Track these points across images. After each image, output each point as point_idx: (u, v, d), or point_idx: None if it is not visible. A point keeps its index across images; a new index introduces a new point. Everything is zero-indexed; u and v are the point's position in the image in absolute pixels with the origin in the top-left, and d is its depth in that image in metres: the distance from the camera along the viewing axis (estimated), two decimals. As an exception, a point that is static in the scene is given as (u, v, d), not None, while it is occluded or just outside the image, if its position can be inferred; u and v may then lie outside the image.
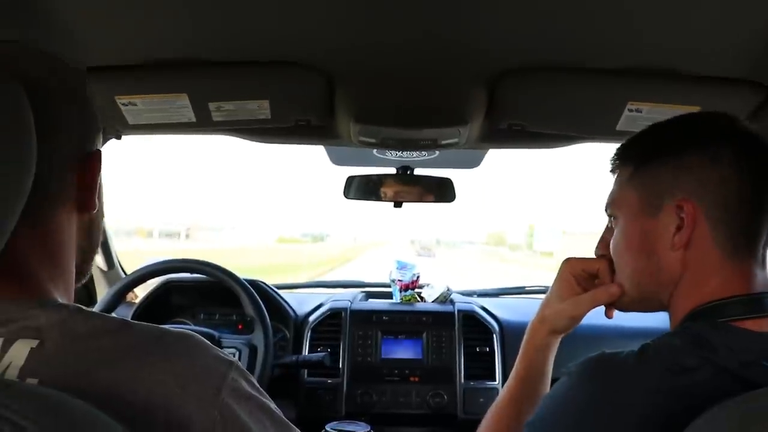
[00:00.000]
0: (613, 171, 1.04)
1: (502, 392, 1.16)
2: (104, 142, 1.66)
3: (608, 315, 1.08)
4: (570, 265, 1.12)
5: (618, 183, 1.02)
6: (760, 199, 0.90)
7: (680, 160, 0.92)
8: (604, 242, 1.07)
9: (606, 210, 1.05)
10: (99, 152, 0.81)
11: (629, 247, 0.99)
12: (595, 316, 1.09)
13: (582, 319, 1.09)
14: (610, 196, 1.04)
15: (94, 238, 0.87)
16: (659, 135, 1.00)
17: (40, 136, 0.69)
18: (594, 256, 1.11)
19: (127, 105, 1.40)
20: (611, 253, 1.03)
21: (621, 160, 1.03)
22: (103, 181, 0.87)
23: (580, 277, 1.10)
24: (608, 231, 1.06)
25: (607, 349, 0.89)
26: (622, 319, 1.18)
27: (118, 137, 1.70)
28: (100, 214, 0.87)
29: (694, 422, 0.72)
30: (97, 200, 0.81)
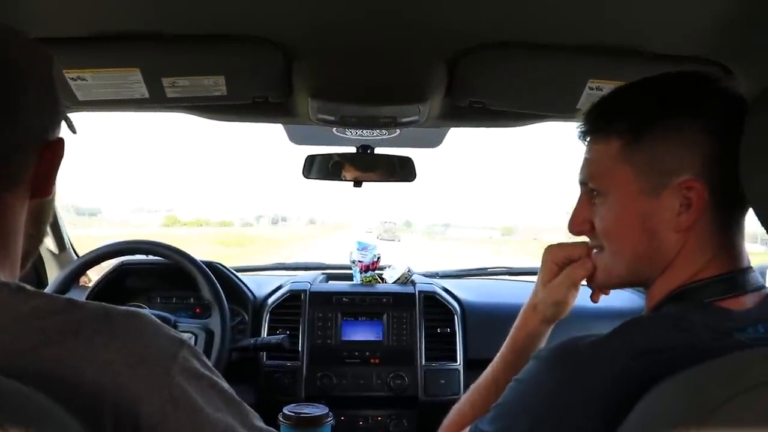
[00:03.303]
0: (584, 137, 0.97)
1: (486, 373, 1.14)
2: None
3: (594, 299, 1.05)
4: (551, 252, 1.09)
5: (601, 154, 0.94)
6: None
7: (682, 134, 0.87)
8: (580, 218, 0.99)
9: (585, 182, 0.97)
10: (62, 140, 0.80)
11: (626, 229, 0.92)
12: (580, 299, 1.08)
13: (568, 303, 1.08)
14: (590, 166, 0.96)
15: (42, 225, 0.85)
16: (650, 103, 0.91)
17: (5, 114, 0.69)
18: (573, 242, 1.07)
19: (76, 80, 1.35)
20: (599, 232, 0.96)
21: (601, 129, 0.94)
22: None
23: (563, 265, 1.07)
24: (584, 205, 0.98)
25: (577, 333, 0.88)
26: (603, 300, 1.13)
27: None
28: (51, 201, 0.85)
29: (650, 390, 0.72)
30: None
